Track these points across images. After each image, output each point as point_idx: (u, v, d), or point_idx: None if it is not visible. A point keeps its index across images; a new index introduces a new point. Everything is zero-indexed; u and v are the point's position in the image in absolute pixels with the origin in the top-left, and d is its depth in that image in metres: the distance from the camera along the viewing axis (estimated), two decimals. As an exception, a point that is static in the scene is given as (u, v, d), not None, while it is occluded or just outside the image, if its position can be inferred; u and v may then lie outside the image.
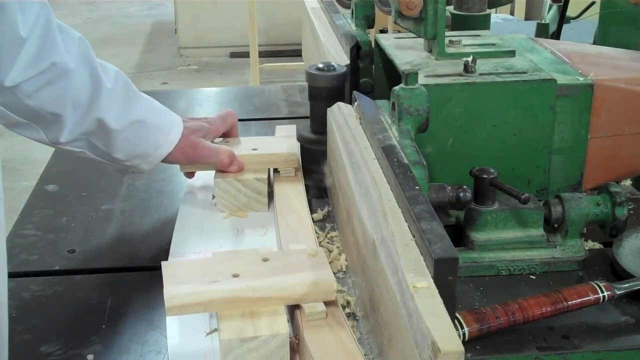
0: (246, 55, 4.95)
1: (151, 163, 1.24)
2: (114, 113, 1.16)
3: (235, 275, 0.94)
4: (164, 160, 1.26)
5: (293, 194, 1.25)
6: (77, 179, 1.45)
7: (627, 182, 1.37)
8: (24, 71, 1.05)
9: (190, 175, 1.36)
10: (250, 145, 1.32)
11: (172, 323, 0.99)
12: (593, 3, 1.85)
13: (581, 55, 1.24)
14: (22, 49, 1.04)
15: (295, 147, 1.34)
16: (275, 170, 1.31)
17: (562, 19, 1.84)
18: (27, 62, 1.05)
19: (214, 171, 1.28)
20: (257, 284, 0.92)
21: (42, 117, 1.11)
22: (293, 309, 0.96)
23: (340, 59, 1.44)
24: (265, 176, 1.27)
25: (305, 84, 1.40)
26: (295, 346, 0.93)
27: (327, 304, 0.94)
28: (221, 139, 1.35)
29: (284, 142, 1.37)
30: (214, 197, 1.29)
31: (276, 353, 0.88)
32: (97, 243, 1.24)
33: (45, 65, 1.07)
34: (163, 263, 0.98)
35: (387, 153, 0.99)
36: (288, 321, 0.93)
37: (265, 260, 0.98)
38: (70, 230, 1.27)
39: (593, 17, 1.70)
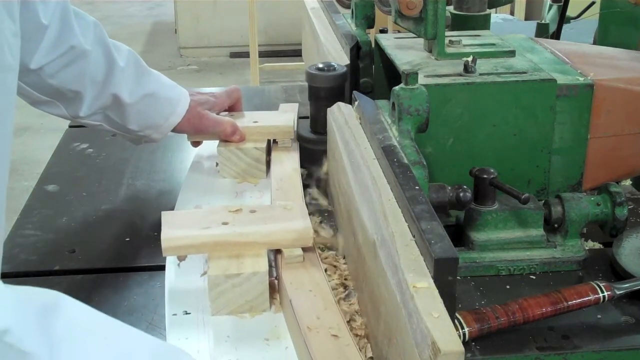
0: (246, 55, 4.95)
1: (162, 133, 1.36)
2: (127, 88, 1.28)
3: (225, 223, 1.07)
4: (173, 130, 1.37)
5: (288, 161, 1.36)
6: (77, 179, 1.45)
7: (627, 182, 1.37)
8: (46, 55, 1.18)
9: (196, 144, 1.47)
10: (251, 118, 1.44)
11: (170, 268, 1.10)
12: (593, 3, 1.84)
13: (581, 55, 1.24)
14: (44, 35, 1.17)
15: (292, 120, 1.44)
16: (274, 141, 1.42)
17: (562, 19, 1.84)
18: (49, 47, 1.18)
19: (218, 141, 1.40)
20: (243, 230, 1.05)
21: (64, 94, 1.24)
22: (276, 255, 1.07)
23: (340, 59, 1.44)
24: (264, 146, 1.38)
25: (305, 84, 1.40)
26: (276, 286, 1.05)
27: (305, 249, 1.06)
28: (226, 112, 1.46)
29: (283, 116, 1.48)
30: (217, 164, 1.40)
31: (256, 289, 1.00)
32: (97, 243, 1.24)
33: (64, 48, 1.20)
34: (163, 212, 1.10)
35: (387, 153, 0.99)
36: (272, 266, 1.06)
37: (252, 212, 1.10)
38: (70, 230, 1.27)
39: (593, 17, 1.70)
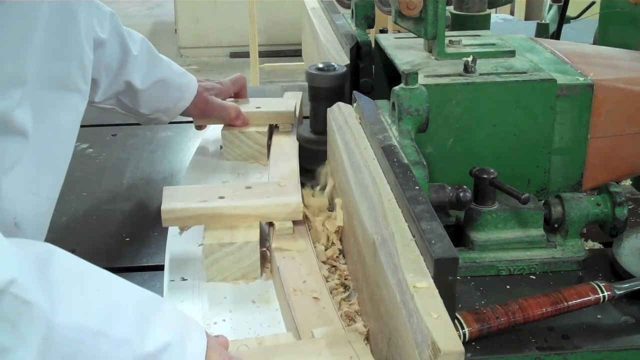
0: (246, 55, 4.95)
1: (171, 116, 1.45)
2: (140, 75, 1.35)
3: (221, 197, 1.14)
4: (181, 114, 1.46)
5: (287, 144, 1.43)
6: (77, 179, 1.45)
7: (627, 182, 1.37)
8: None
9: (199, 128, 1.55)
10: (255, 104, 1.52)
11: (171, 239, 1.17)
12: (593, 3, 1.85)
13: (581, 55, 1.24)
14: None
15: (293, 106, 1.51)
16: (276, 126, 1.49)
17: (562, 19, 1.84)
18: None
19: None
20: (238, 204, 1.13)
21: None
22: (269, 227, 1.16)
23: (340, 59, 1.44)
24: (266, 130, 1.46)
25: (305, 84, 1.40)
26: (267, 255, 1.13)
27: (295, 222, 1.14)
28: (232, 98, 1.54)
29: (285, 102, 1.55)
30: (221, 147, 1.48)
31: (248, 257, 1.08)
32: (97, 243, 1.24)
33: None
34: (165, 187, 1.18)
35: (387, 153, 0.99)
36: (267, 239, 1.14)
37: (248, 188, 1.18)
38: (70, 230, 1.27)
39: (593, 17, 1.70)
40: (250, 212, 1.12)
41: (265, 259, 1.13)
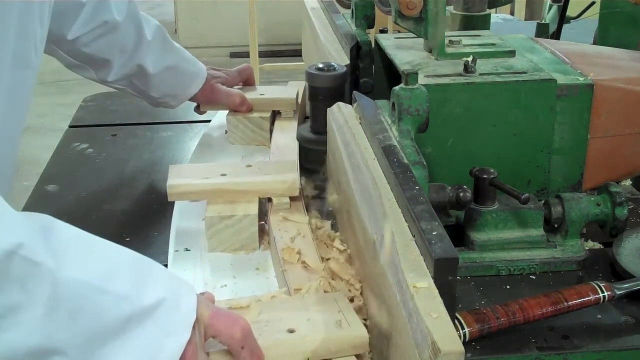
0: (246, 55, 4.94)
1: (179, 101, 1.55)
2: (152, 60, 1.44)
3: (223, 175, 1.22)
4: (189, 99, 1.54)
5: (288, 129, 1.50)
6: (77, 179, 1.45)
7: (627, 182, 1.37)
8: (82, 27, 1.36)
9: (200, 113, 1.62)
10: (259, 92, 1.60)
11: (176, 213, 1.25)
12: (593, 3, 1.84)
13: (581, 55, 1.25)
14: (82, 11, 1.35)
15: (295, 93, 1.58)
16: (278, 112, 1.56)
17: (562, 19, 1.84)
18: (85, 21, 1.36)
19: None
20: (238, 180, 1.20)
21: (95, 61, 1.41)
22: (268, 203, 1.22)
23: (340, 59, 1.44)
24: (268, 115, 1.53)
25: (305, 83, 1.40)
26: (266, 228, 1.20)
27: (292, 198, 1.21)
28: (239, 87, 1.61)
29: (287, 90, 1.63)
30: (226, 131, 1.55)
31: (247, 229, 1.16)
32: (97, 243, 1.23)
33: (98, 22, 1.37)
34: (170, 166, 1.25)
35: (387, 153, 0.99)
36: (266, 215, 1.21)
37: (248, 166, 1.26)
38: (70, 230, 1.27)
39: (593, 17, 1.70)
40: (250, 188, 1.19)
41: (263, 232, 1.20)
